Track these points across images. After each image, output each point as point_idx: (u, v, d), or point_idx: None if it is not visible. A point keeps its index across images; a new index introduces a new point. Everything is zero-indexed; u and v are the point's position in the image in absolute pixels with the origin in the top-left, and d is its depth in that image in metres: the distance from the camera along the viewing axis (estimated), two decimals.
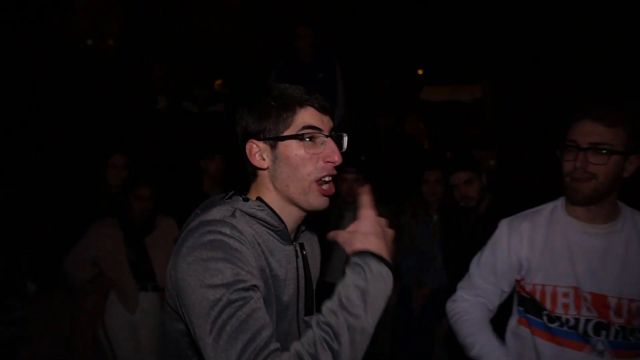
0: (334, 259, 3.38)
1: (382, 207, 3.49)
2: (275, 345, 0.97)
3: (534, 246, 1.63)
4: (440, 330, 3.17)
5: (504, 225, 1.74)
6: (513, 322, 1.74)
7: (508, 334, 1.75)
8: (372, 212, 1.11)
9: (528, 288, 1.65)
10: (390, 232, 1.14)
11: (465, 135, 6.27)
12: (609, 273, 1.52)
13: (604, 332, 1.51)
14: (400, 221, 3.56)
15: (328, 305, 1.03)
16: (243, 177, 1.26)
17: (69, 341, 3.00)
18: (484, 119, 6.95)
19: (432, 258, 3.33)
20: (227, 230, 1.05)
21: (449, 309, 1.84)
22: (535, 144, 5.57)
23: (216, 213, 1.11)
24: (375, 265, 1.04)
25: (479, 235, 2.38)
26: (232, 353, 0.94)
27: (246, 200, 1.18)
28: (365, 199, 1.13)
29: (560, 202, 1.66)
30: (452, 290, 2.93)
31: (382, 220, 1.13)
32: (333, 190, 1.20)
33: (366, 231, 1.09)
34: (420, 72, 8.33)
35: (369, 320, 1.01)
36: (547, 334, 1.58)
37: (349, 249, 1.08)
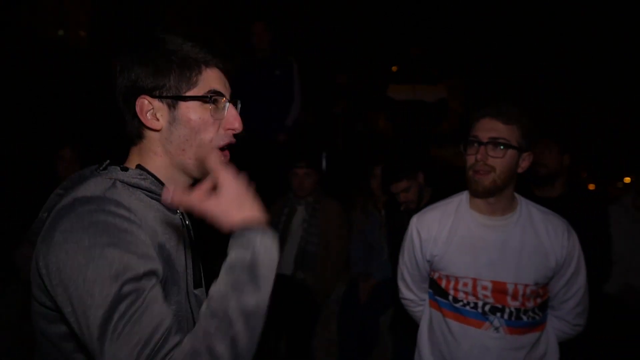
0: (285, 251, 3.47)
1: (335, 200, 3.63)
2: (174, 339, 0.86)
3: (438, 240, 1.76)
4: (385, 319, 3.29)
5: (413, 222, 1.87)
6: (426, 304, 1.86)
7: (424, 317, 1.86)
8: (228, 174, 0.94)
9: (435, 276, 1.79)
10: (248, 190, 0.97)
11: (429, 133, 6.41)
12: (507, 262, 1.66)
13: (498, 314, 1.65)
14: (350, 215, 3.67)
15: (217, 289, 0.91)
16: (118, 141, 1.12)
17: (19, 334, 3.01)
18: (448, 117, 7.09)
19: (380, 250, 3.44)
20: (112, 208, 0.91)
21: (405, 307, 2.00)
22: None
23: (93, 187, 0.96)
24: (259, 238, 0.92)
25: None
26: (126, 357, 0.81)
27: (125, 169, 1.04)
28: (214, 161, 0.95)
29: (465, 195, 1.79)
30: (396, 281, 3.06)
31: (240, 179, 0.96)
32: (228, 157, 1.10)
33: (231, 198, 0.93)
34: (394, 68, 8.43)
35: (262, 297, 0.91)
36: (453, 313, 1.72)
37: (225, 223, 0.92)
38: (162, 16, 7.18)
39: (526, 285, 1.65)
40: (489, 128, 1.64)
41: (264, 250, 0.92)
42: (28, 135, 4.20)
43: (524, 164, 1.67)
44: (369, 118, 6.38)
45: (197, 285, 1.16)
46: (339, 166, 5.27)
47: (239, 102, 1.14)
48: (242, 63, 4.26)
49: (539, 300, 1.69)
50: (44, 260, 0.89)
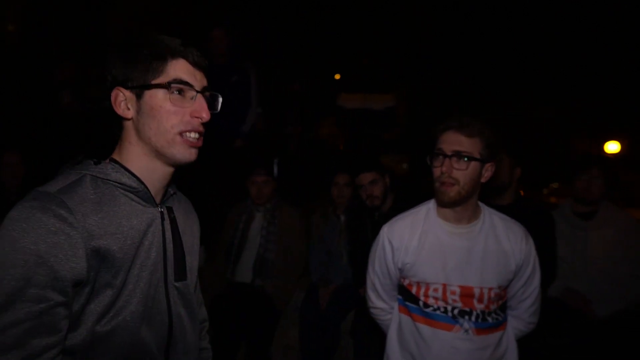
0: (243, 259, 3.46)
1: (293, 207, 3.66)
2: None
3: (409, 248, 1.83)
4: (346, 324, 3.34)
5: (383, 232, 1.93)
6: (395, 310, 1.93)
7: (393, 323, 1.93)
8: None
9: (405, 283, 1.87)
10: None
11: (378, 140, 6.58)
12: (472, 267, 1.76)
13: (466, 316, 1.76)
14: (310, 221, 3.71)
15: None
16: (108, 134, 1.18)
17: None
18: (396, 125, 7.31)
19: (339, 256, 3.50)
20: (52, 207, 0.96)
21: (374, 316, 2.04)
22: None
23: (55, 183, 1.03)
24: None
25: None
26: None
27: (98, 163, 1.10)
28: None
29: (432, 204, 1.89)
30: (357, 286, 3.12)
31: None
32: (200, 144, 1.14)
33: None
34: (337, 76, 8.59)
35: None
36: (423, 318, 1.80)
37: None
38: (104, 13, 6.93)
39: (490, 289, 1.76)
40: (453, 141, 1.73)
41: None
42: None
43: (487, 174, 1.78)
44: (320, 125, 6.47)
45: (179, 278, 1.20)
46: (291, 172, 5.31)
47: (219, 96, 1.20)
48: None
49: (500, 302, 1.81)
50: None
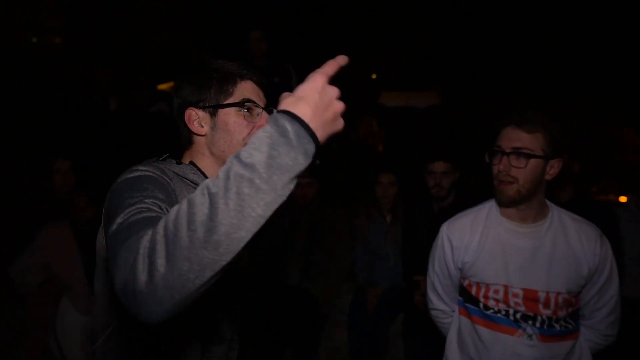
0: (289, 261, 3.42)
1: (337, 209, 3.60)
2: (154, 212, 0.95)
3: (469, 247, 1.73)
4: (395, 329, 3.26)
5: (443, 230, 1.84)
6: (455, 312, 1.84)
7: (453, 326, 1.84)
8: (320, 77, 0.87)
9: (465, 283, 1.77)
10: (336, 104, 0.88)
11: (421, 139, 6.42)
12: (538, 270, 1.64)
13: (530, 321, 1.64)
14: (354, 222, 3.63)
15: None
16: (175, 145, 1.31)
17: (16, 349, 2.91)
18: (440, 125, 7.12)
19: (385, 257, 3.42)
20: (150, 169, 1.09)
21: (434, 318, 1.95)
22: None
23: (144, 164, 1.15)
24: (285, 123, 0.82)
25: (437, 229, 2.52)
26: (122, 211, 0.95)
27: (179, 163, 1.23)
28: (330, 65, 0.90)
29: (495, 202, 1.77)
30: (408, 289, 3.02)
31: (330, 90, 0.87)
32: None
33: (300, 95, 0.85)
34: (374, 76, 8.46)
35: (264, 175, 0.78)
36: (484, 320, 1.70)
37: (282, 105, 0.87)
38: (136, 22, 7.10)
39: (558, 293, 1.63)
40: (512, 137, 1.63)
41: (283, 136, 0.81)
42: (14, 147, 4.07)
43: (553, 171, 1.66)
44: (361, 125, 6.38)
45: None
46: (333, 173, 5.25)
47: (275, 110, 1.19)
48: None
49: (570, 310, 1.68)
50: (104, 205, 1.06)
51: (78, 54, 5.81)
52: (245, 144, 1.05)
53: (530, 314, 1.64)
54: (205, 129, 1.23)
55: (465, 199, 3.01)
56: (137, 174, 1.07)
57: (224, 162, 1.09)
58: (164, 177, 1.10)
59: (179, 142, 1.30)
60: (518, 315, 1.64)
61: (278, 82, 4.14)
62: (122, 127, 4.22)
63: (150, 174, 1.07)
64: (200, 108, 1.23)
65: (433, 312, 1.94)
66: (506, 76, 7.15)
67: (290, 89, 3.35)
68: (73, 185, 3.25)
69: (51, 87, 4.70)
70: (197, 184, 1.18)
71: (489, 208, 1.77)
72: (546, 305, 1.63)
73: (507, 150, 1.62)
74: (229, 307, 1.35)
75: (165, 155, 1.24)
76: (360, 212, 3.65)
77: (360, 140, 6.00)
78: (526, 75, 7.06)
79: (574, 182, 2.77)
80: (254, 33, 4.16)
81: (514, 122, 1.64)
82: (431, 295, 1.92)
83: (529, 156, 1.60)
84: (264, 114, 1.24)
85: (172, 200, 1.05)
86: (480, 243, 1.72)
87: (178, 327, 1.15)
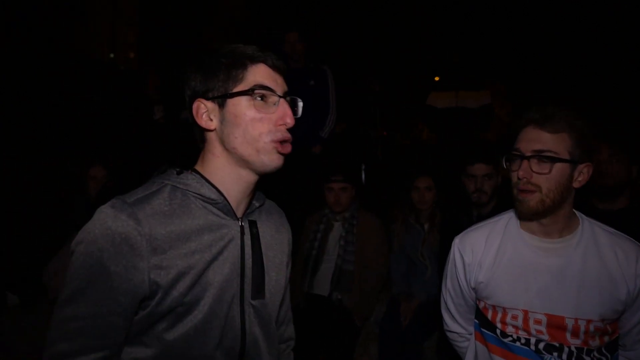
0: (321, 270, 3.29)
1: (373, 216, 3.43)
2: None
3: (483, 265, 1.53)
4: (431, 344, 3.05)
5: (455, 244, 1.63)
6: (472, 337, 1.64)
7: (469, 351, 1.64)
8: None
9: (480, 305, 1.57)
10: None
11: (473, 141, 6.11)
12: (565, 292, 1.41)
13: (555, 353, 1.41)
14: (391, 229, 3.45)
15: None
16: (192, 145, 1.19)
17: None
18: (493, 125, 6.77)
19: (422, 268, 3.21)
20: (123, 217, 0.98)
21: (450, 340, 1.78)
22: None
23: (136, 192, 1.05)
24: None
25: None
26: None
27: (180, 172, 1.11)
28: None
29: (515, 213, 1.55)
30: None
31: None
32: (289, 149, 1.10)
33: None
34: (437, 78, 8.14)
35: None
36: (501, 349, 1.49)
37: None
38: (202, 34, 7.26)
39: (589, 321, 1.39)
40: (533, 139, 1.40)
41: None
42: (50, 153, 4.23)
43: (582, 177, 1.42)
44: (408, 127, 6.16)
45: (256, 296, 1.14)
46: (379, 179, 5.08)
47: (299, 100, 1.15)
48: None
49: (606, 339, 1.43)
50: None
51: (148, 67, 6.01)
52: (265, 142, 1.05)
53: (556, 343, 1.40)
54: (215, 123, 1.08)
55: (509, 205, 2.76)
56: (88, 249, 0.97)
57: (240, 161, 1.08)
58: (130, 239, 0.97)
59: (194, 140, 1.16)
60: (541, 346, 1.42)
61: (314, 85, 4.05)
62: (160, 135, 4.28)
63: (100, 253, 0.96)
64: (208, 99, 1.08)
65: (448, 335, 1.74)
66: (563, 74, 6.68)
67: (327, 91, 3.22)
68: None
69: (101, 95, 4.86)
70: (200, 194, 1.07)
71: (508, 220, 1.55)
72: (575, 334, 1.40)
73: (527, 154, 1.40)
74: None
75: (164, 167, 1.13)
76: (397, 216, 3.46)
77: (409, 143, 5.80)
78: (584, 76, 6.57)
79: (631, 188, 2.46)
80: (291, 35, 4.09)
81: (535, 120, 1.41)
82: (445, 316, 1.72)
83: (553, 160, 1.37)
84: (282, 102, 1.08)
85: (129, 282, 0.97)
86: (496, 260, 1.50)
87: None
